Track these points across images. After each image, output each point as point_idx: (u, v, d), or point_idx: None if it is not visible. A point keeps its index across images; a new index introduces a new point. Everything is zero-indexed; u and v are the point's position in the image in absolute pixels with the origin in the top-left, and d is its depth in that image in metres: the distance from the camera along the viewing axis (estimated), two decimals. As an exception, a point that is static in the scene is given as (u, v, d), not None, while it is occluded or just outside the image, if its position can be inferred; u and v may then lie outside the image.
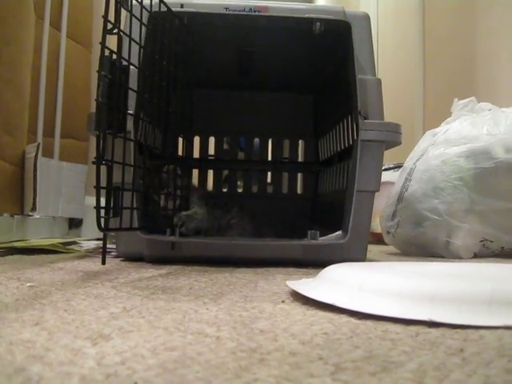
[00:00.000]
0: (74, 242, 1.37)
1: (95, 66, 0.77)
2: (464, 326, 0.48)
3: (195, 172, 1.54)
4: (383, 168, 1.16)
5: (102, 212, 0.73)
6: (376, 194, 1.03)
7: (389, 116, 1.03)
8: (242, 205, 1.29)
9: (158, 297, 0.63)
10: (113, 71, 0.75)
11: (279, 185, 1.58)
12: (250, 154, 1.59)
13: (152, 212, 1.01)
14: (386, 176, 1.52)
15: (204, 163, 1.55)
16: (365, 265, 0.75)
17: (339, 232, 1.02)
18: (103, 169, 0.73)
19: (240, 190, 1.58)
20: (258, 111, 1.58)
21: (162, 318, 0.52)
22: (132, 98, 0.86)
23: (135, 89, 0.86)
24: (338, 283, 0.61)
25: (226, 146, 1.64)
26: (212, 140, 1.58)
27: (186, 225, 1.02)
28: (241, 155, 1.65)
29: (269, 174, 1.61)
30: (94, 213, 0.73)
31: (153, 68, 0.92)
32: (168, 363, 0.37)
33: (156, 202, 1.03)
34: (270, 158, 1.60)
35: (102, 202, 0.73)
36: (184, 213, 1.05)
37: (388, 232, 1.39)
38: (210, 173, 1.58)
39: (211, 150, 1.58)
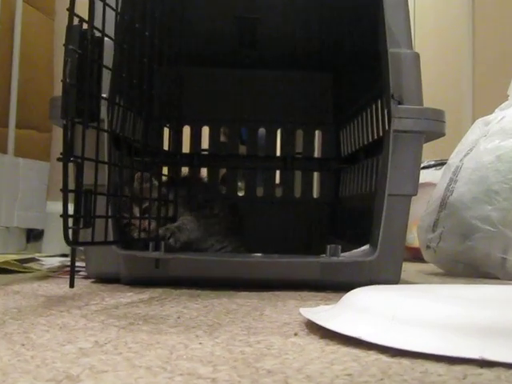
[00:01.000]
0: (33, 259, 1.37)
1: (60, 37, 0.78)
2: (524, 366, 0.48)
3: (184, 171, 1.54)
4: (422, 166, 1.16)
5: (70, 222, 0.73)
6: (413, 198, 1.03)
7: (429, 100, 1.03)
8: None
9: (139, 328, 0.64)
10: (83, 44, 0.76)
11: (290, 187, 1.58)
12: (253, 147, 1.60)
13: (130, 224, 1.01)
14: (425, 176, 1.52)
15: (196, 160, 1.56)
16: (399, 288, 0.75)
17: (366, 246, 1.02)
18: (71, 167, 0.74)
19: (241, 194, 1.59)
20: (263, 94, 1.58)
21: (143, 354, 0.52)
22: (106, 79, 0.87)
23: (110, 66, 0.87)
24: (365, 311, 0.61)
25: (223, 138, 1.64)
26: (206, 130, 1.58)
27: (176, 237, 1.03)
28: (242, 149, 1.65)
29: (277, 173, 1.61)
30: (58, 222, 0.73)
31: (132, 40, 0.92)
32: (152, 412, 0.37)
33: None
34: (278, 153, 1.61)
35: (70, 209, 0.73)
36: (174, 224, 1.05)
37: (428, 246, 1.39)
38: (204, 172, 1.58)
39: (205, 144, 1.59)
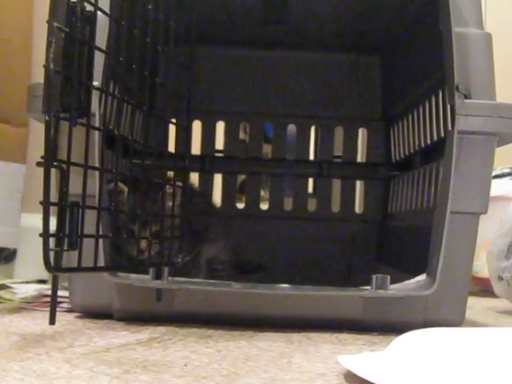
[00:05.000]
0: (4, 286, 1.38)
1: (42, 10, 0.78)
2: None
3: (194, 177, 1.54)
4: (493, 175, 1.15)
5: (52, 242, 0.73)
6: (482, 216, 1.03)
7: (502, 94, 1.02)
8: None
9: (137, 378, 0.64)
10: (71, 21, 0.76)
11: (327, 199, 1.58)
12: (280, 148, 1.60)
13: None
14: (497, 188, 1.51)
15: (208, 163, 1.56)
16: (465, 333, 0.75)
17: (422, 277, 1.01)
18: (54, 173, 0.74)
19: (265, 207, 1.59)
20: (294, 82, 1.58)
21: (142, 412, 0.52)
22: (99, 63, 0.87)
23: (104, 48, 0.87)
24: (427, 363, 0.61)
25: (242, 136, 1.65)
26: (221, 126, 1.58)
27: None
28: (267, 150, 1.65)
29: (311, 181, 1.61)
30: (35, 240, 0.74)
31: (132, 15, 0.93)
32: None
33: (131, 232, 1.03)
34: (312, 157, 1.60)
35: (52, 226, 0.73)
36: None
37: (500, 277, 1.38)
38: (218, 178, 1.59)
39: (219, 143, 1.59)
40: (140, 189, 1.00)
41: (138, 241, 1.00)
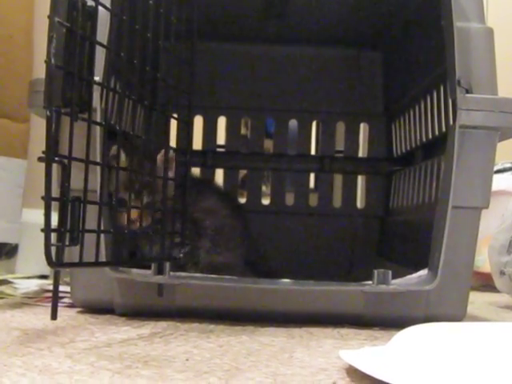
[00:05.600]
0: (5, 281, 1.38)
1: (43, 6, 0.78)
2: None
3: (195, 172, 1.54)
4: (495, 170, 1.15)
5: (54, 237, 0.73)
6: (484, 211, 1.02)
7: (504, 89, 1.02)
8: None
9: (138, 373, 0.64)
10: (72, 16, 0.76)
11: (328, 194, 1.58)
12: (282, 143, 1.60)
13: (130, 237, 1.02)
14: (499, 182, 1.51)
15: (210, 158, 1.56)
16: (467, 328, 0.74)
17: (424, 272, 1.01)
18: (55, 168, 0.74)
19: (266, 202, 1.59)
20: (295, 77, 1.58)
21: (144, 407, 0.52)
22: (100, 58, 0.87)
23: (105, 43, 0.87)
24: (429, 358, 0.60)
25: (244, 132, 1.64)
26: (222, 121, 1.58)
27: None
28: (268, 145, 1.65)
29: (312, 176, 1.61)
30: (36, 235, 0.74)
31: (133, 10, 0.92)
32: None
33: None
34: (313, 151, 1.60)
35: (53, 221, 0.73)
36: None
37: (502, 272, 1.38)
38: (219, 173, 1.59)
39: (221, 138, 1.59)
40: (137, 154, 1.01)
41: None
